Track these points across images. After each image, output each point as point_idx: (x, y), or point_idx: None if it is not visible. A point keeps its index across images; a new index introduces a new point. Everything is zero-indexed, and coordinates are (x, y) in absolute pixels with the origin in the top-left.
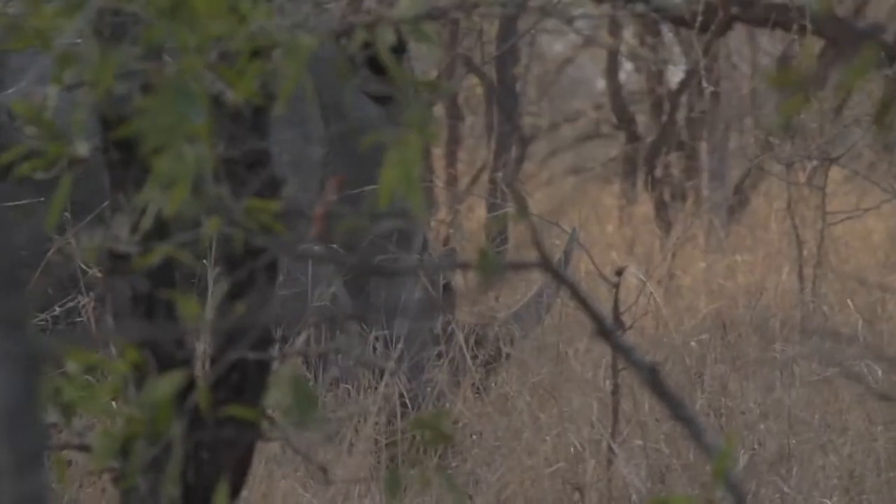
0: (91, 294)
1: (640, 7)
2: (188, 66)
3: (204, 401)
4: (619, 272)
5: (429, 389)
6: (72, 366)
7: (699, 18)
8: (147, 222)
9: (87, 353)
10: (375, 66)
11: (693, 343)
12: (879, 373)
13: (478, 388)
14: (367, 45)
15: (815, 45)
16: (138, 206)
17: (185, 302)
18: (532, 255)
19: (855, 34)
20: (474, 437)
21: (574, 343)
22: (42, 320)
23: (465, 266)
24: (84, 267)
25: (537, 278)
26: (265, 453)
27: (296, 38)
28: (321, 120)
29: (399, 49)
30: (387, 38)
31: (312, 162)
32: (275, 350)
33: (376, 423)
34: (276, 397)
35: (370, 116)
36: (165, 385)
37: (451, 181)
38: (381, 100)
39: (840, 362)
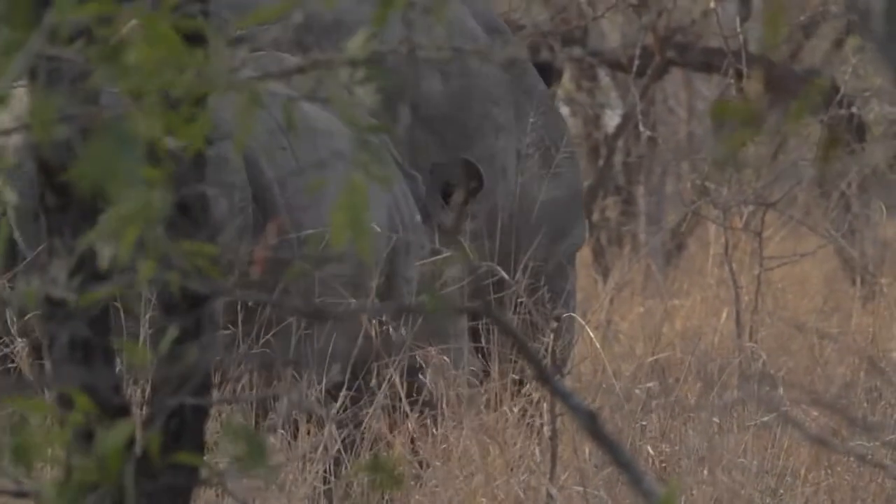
0: (27, 339)
1: (576, 51)
2: (129, 111)
3: (154, 446)
4: (558, 318)
5: (365, 435)
6: (26, 413)
7: (636, 62)
8: (104, 263)
9: (38, 402)
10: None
11: (632, 388)
12: (813, 417)
13: (414, 434)
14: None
15: (753, 88)
16: (78, 250)
17: (131, 348)
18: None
19: (790, 78)
20: (413, 482)
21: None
22: None
23: (408, 310)
24: (18, 313)
25: None
26: (203, 500)
27: (253, 84)
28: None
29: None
30: (341, 78)
31: (510, 171)
32: (213, 396)
33: (316, 471)
34: (225, 447)
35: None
36: (117, 435)
37: None
38: None
39: (778, 407)
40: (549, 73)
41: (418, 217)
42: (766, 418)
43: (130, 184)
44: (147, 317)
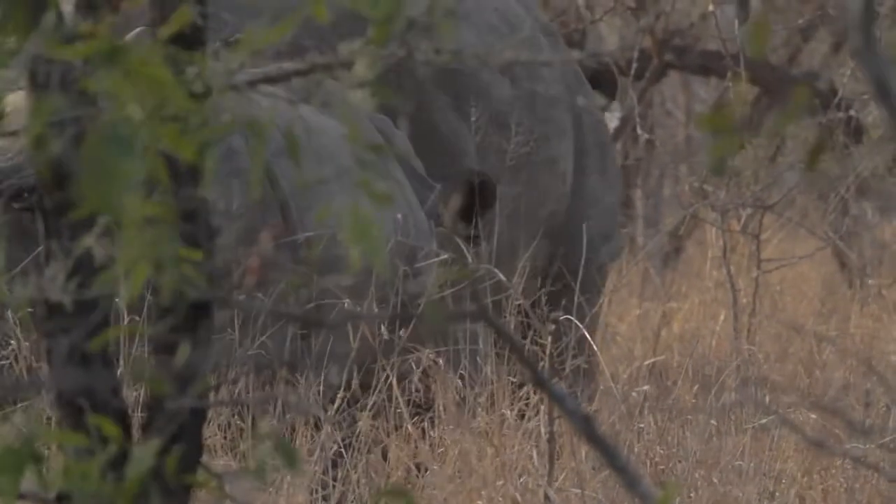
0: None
1: (575, 53)
2: (126, 117)
3: (172, 466)
4: (555, 321)
5: (361, 436)
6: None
7: (634, 65)
8: (107, 266)
9: (72, 435)
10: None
11: (629, 390)
12: (811, 420)
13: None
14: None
15: (750, 92)
16: (76, 253)
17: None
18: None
19: (789, 81)
20: (409, 485)
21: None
22: None
23: (406, 317)
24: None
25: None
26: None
27: (258, 119)
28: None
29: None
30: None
31: (569, 175)
32: (210, 398)
33: (314, 472)
34: (261, 454)
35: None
36: (147, 455)
37: None
38: None
39: (776, 410)
40: (607, 83)
41: (428, 225)
42: (763, 421)
43: (128, 187)
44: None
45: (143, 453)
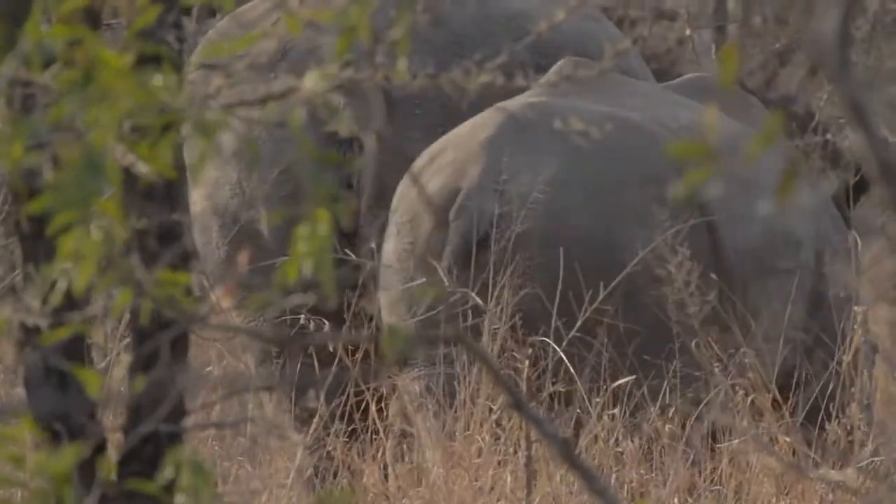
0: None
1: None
2: (98, 139)
3: (108, 473)
4: (533, 344)
5: (337, 461)
6: None
7: None
8: (56, 298)
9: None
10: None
11: (607, 414)
12: (788, 443)
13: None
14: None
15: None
16: (49, 278)
17: (87, 375)
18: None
19: (765, 105)
20: None
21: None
22: None
23: (375, 339)
24: None
25: None
26: None
27: (205, 115)
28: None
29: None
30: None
31: None
32: (188, 422)
33: (289, 497)
34: (170, 474)
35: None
36: (67, 456)
37: None
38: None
39: (753, 434)
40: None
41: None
42: (741, 445)
43: (84, 212)
44: (111, 344)
45: (65, 452)
